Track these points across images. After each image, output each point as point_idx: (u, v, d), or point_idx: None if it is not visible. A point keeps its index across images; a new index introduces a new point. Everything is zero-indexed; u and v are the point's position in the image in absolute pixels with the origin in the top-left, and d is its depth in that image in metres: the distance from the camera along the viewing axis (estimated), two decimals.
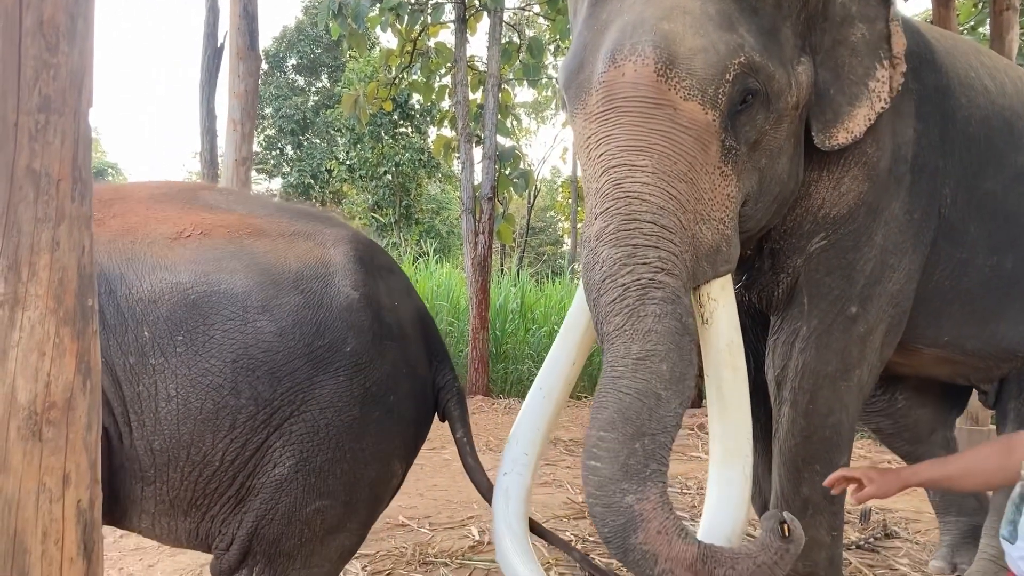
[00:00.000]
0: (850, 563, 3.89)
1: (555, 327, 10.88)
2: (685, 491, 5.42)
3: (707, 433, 7.83)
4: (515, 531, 2.26)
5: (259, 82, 6.40)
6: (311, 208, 2.62)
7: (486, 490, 2.40)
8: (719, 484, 2.19)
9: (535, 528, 2.40)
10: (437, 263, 13.30)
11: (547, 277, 15.65)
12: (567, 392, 2.52)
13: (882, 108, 2.60)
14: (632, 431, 1.99)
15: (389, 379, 2.12)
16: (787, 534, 1.97)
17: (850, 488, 2.03)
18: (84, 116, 1.04)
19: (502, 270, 15.53)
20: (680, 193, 2.18)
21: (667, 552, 1.93)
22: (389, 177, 17.74)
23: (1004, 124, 3.02)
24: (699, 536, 2.04)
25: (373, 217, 17.72)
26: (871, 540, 4.31)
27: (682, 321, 2.09)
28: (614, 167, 2.22)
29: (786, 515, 1.98)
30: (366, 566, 3.83)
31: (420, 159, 17.72)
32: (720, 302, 2.32)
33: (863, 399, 2.93)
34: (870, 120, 2.58)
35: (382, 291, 2.21)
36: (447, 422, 2.43)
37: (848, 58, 2.62)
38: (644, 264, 2.11)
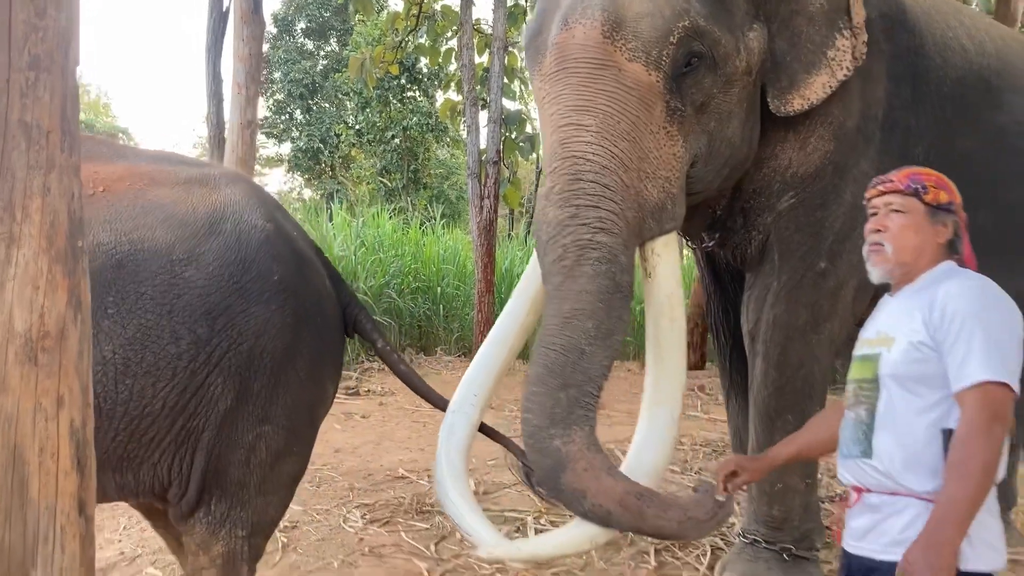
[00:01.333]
0: (832, 513, 4.00)
1: None
2: (679, 447, 5.54)
3: (707, 394, 8.00)
4: (454, 464, 2.46)
5: (268, 46, 6.51)
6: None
7: (425, 392, 2.62)
8: (647, 425, 2.34)
9: (483, 428, 2.61)
10: (446, 228, 13.41)
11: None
12: (520, 343, 2.64)
13: (844, 76, 2.70)
14: (557, 383, 2.16)
15: (315, 302, 2.25)
16: (720, 501, 2.13)
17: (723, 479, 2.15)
18: (71, 74, 1.14)
19: (511, 235, 15.60)
20: (623, 151, 2.29)
21: (595, 487, 2.08)
22: (397, 141, 17.77)
23: (981, 82, 3.09)
24: (632, 467, 2.21)
25: (381, 182, 17.78)
26: None
27: (615, 280, 2.22)
28: (562, 126, 2.34)
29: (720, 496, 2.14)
30: (365, 514, 3.99)
31: (428, 123, 17.72)
32: (663, 257, 2.44)
33: (835, 352, 3.04)
34: (830, 88, 2.69)
35: (284, 222, 2.30)
36: (361, 336, 2.53)
37: (805, 27, 2.71)
38: (584, 225, 2.23)
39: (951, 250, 1.88)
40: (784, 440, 2.21)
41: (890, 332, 1.83)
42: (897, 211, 1.86)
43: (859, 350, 1.93)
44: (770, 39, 2.67)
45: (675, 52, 2.35)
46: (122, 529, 3.87)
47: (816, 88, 2.68)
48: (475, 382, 2.60)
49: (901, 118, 2.94)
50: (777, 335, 2.94)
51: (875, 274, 1.91)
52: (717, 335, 3.61)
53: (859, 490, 1.83)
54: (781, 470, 3.02)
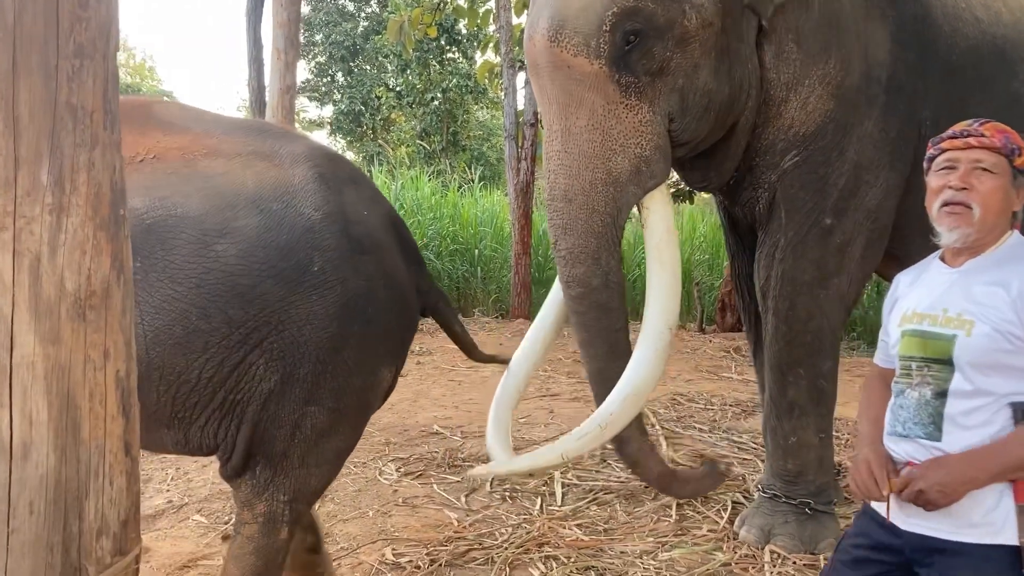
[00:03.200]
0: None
1: None
2: (709, 407, 5.63)
3: (742, 355, 8.04)
4: (501, 418, 2.90)
5: (309, 8, 6.57)
6: (268, 124, 2.68)
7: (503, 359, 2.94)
8: (636, 355, 2.67)
9: None
10: (485, 190, 13.48)
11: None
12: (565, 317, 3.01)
13: None
14: (602, 392, 2.78)
15: (365, 292, 2.15)
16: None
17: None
18: (112, 59, 1.26)
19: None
20: (585, 143, 2.67)
21: (644, 463, 2.95)
22: (436, 103, 17.83)
23: (995, 52, 3.13)
24: (614, 390, 2.64)
25: (420, 144, 17.89)
26: None
27: (600, 303, 2.75)
28: (546, 132, 2.83)
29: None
30: (400, 467, 4.16)
31: (467, 85, 17.73)
32: (652, 209, 2.78)
33: (846, 309, 3.15)
34: None
35: (348, 205, 2.21)
36: (439, 321, 2.57)
37: None
38: (561, 258, 2.76)
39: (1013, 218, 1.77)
40: (867, 421, 1.96)
41: (965, 313, 1.70)
42: (987, 171, 1.73)
43: (914, 323, 1.79)
44: None
45: (611, 37, 2.60)
46: (170, 480, 4.08)
47: None
48: (529, 351, 3.01)
49: (907, 82, 3.00)
50: (785, 289, 3.05)
51: (950, 237, 1.77)
52: (742, 294, 3.69)
53: (915, 467, 1.74)
54: (795, 424, 3.13)
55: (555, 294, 2.99)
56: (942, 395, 1.72)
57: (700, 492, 3.29)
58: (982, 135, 1.76)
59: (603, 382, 2.74)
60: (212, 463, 4.23)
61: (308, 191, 2.15)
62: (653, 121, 2.70)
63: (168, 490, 3.97)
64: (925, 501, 1.66)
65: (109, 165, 1.24)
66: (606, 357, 2.77)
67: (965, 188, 1.74)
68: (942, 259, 1.85)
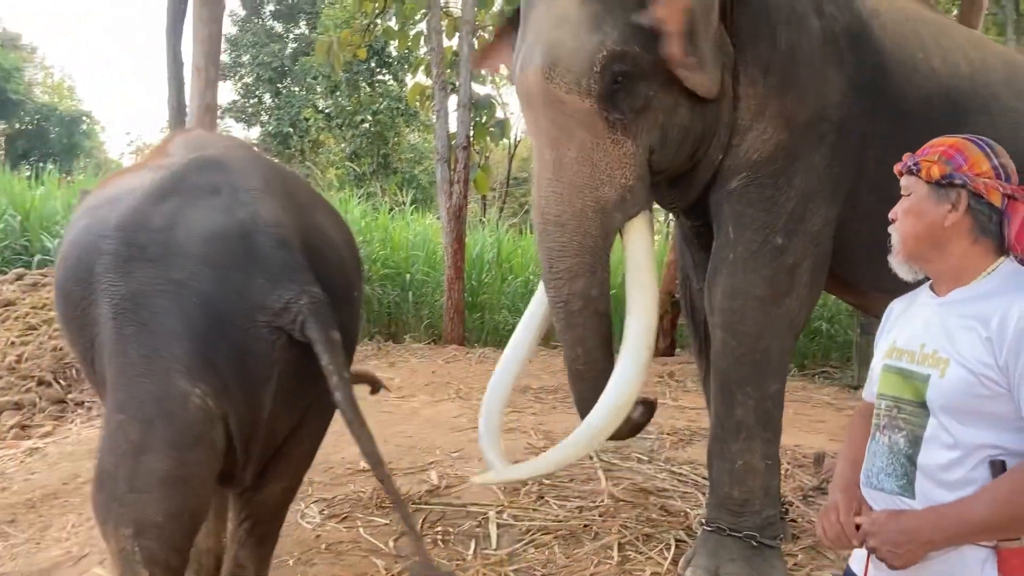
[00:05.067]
0: (796, 506, 3.97)
1: (532, 276, 10.90)
2: (646, 435, 5.46)
3: (676, 380, 7.96)
4: (491, 426, 3.13)
5: (236, 29, 6.35)
6: (215, 137, 2.65)
7: (360, 434, 2.15)
8: (621, 368, 2.80)
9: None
10: (417, 213, 13.25)
11: (528, 227, 15.65)
12: (541, 334, 3.25)
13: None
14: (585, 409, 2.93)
15: (135, 296, 2.06)
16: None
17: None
18: None
19: (482, 220, 15.49)
20: (575, 175, 2.81)
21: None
22: (367, 126, 17.58)
23: (947, 102, 3.21)
24: (600, 403, 2.77)
25: (350, 167, 17.59)
26: (824, 483, 4.39)
27: (595, 311, 2.87)
28: (537, 161, 2.94)
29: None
30: (323, 510, 3.91)
31: (398, 107, 17.53)
32: (633, 235, 2.93)
33: (795, 333, 3.15)
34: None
35: (155, 214, 2.13)
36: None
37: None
38: (558, 278, 2.86)
39: (984, 234, 1.59)
40: (846, 462, 1.81)
41: (941, 351, 1.55)
42: (905, 194, 1.66)
43: (893, 359, 1.66)
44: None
45: (601, 77, 2.74)
46: (70, 527, 3.76)
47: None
48: (507, 370, 3.20)
49: (857, 125, 3.10)
50: (735, 303, 3.04)
51: (897, 270, 1.70)
52: (693, 313, 3.66)
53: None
54: (742, 447, 3.02)
55: (534, 311, 3.19)
56: (915, 443, 1.56)
57: None
58: (902, 160, 1.70)
59: (597, 389, 2.83)
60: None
61: (126, 199, 2.22)
62: (636, 154, 2.85)
63: (67, 539, 3.64)
64: (880, 558, 1.51)
65: None
66: (603, 362, 2.89)
67: (892, 220, 1.70)
68: (931, 287, 1.71)
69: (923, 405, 1.56)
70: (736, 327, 3.04)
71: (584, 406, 2.91)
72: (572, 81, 2.75)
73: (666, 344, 10.29)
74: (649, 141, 2.88)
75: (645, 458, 4.83)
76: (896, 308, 1.82)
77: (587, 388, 2.93)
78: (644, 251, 2.93)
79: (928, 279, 1.72)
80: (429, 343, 10.02)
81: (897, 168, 1.69)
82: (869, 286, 3.30)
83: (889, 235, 3.07)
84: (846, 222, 3.13)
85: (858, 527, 1.59)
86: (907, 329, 1.68)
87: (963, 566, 1.49)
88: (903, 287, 3.16)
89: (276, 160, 2.95)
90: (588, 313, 2.86)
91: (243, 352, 2.06)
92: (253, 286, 2.06)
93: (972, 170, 1.59)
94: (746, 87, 3.02)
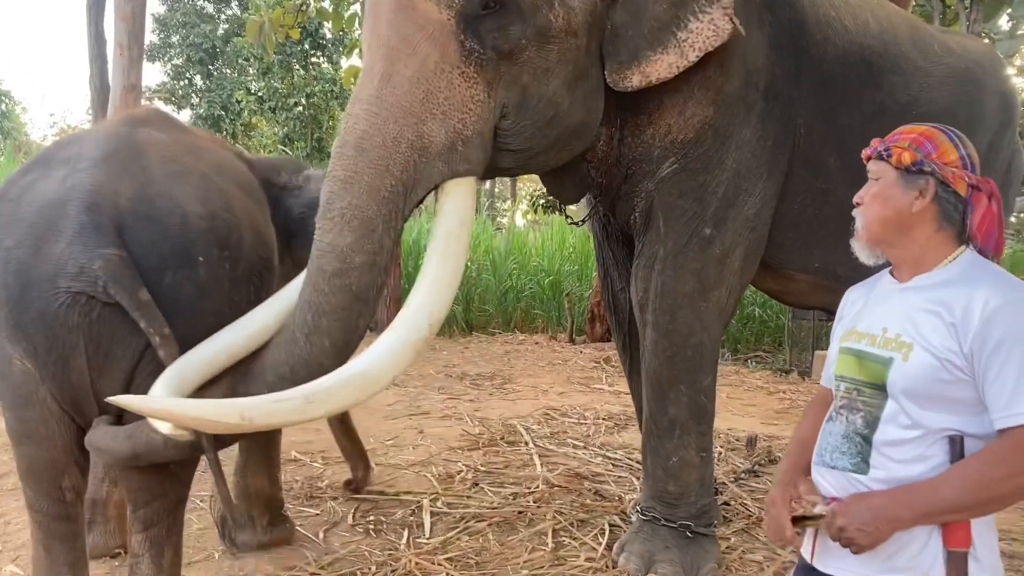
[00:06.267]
0: (729, 488, 4.00)
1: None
2: (582, 421, 5.50)
3: (612, 366, 7.98)
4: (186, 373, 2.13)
5: (165, 8, 6.14)
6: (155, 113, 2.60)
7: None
8: (384, 339, 2.20)
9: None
10: None
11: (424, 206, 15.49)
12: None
13: (695, 59, 2.66)
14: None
15: None
16: None
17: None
18: None
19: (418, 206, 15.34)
20: (403, 95, 2.30)
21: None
22: (300, 109, 17.25)
23: (861, 62, 3.12)
24: (343, 368, 2.12)
25: (283, 151, 17.25)
26: (757, 466, 4.44)
27: (351, 290, 2.17)
28: (362, 74, 2.43)
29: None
30: None
31: (332, 91, 17.24)
32: (451, 196, 2.41)
33: (724, 322, 3.06)
34: (677, 68, 2.65)
35: (14, 188, 2.21)
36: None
37: (651, 4, 2.66)
38: (328, 220, 2.21)
39: (948, 222, 1.60)
40: (795, 445, 1.81)
41: (904, 335, 1.54)
42: (873, 179, 1.66)
43: (851, 342, 1.66)
44: (609, 7, 2.64)
45: None
46: None
47: (660, 67, 2.64)
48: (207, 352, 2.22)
49: (783, 88, 2.94)
50: (665, 302, 2.92)
51: (859, 254, 1.69)
52: (616, 311, 3.55)
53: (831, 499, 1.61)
54: (677, 444, 3.00)
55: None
56: (872, 424, 1.57)
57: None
58: (870, 144, 1.69)
59: (309, 372, 2.14)
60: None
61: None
62: (484, 104, 2.42)
63: None
64: (847, 540, 1.49)
65: None
66: (330, 351, 2.18)
67: (857, 204, 1.68)
68: (892, 273, 1.70)
69: (882, 388, 1.56)
70: (667, 327, 2.93)
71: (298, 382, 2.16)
72: None
73: (603, 329, 10.34)
74: (505, 99, 2.48)
75: (580, 443, 4.83)
76: (853, 294, 1.81)
77: (300, 368, 2.18)
78: (459, 219, 2.41)
79: (887, 266, 1.72)
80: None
81: (865, 153, 1.69)
82: (797, 268, 3.26)
83: (820, 211, 3.11)
84: (778, 199, 3.03)
85: (795, 520, 1.60)
86: (867, 314, 1.68)
87: (909, 536, 1.50)
88: (833, 270, 3.22)
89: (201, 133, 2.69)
90: (337, 284, 2.18)
91: (47, 316, 2.05)
92: (56, 251, 2.05)
93: (941, 159, 1.60)
94: (613, 69, 2.69)
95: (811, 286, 3.36)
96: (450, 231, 2.38)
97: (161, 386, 2.05)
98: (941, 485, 1.46)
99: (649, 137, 2.88)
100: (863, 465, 1.57)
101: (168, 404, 1.99)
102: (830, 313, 4.12)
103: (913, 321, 1.55)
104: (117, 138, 2.31)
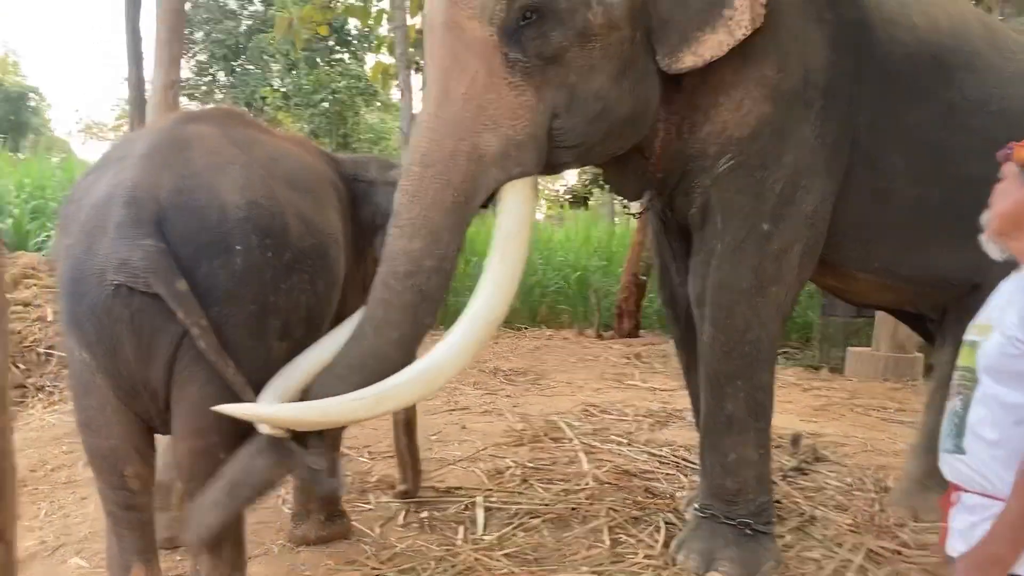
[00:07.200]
0: (777, 485, 3.99)
1: None
2: (623, 418, 5.51)
3: (643, 362, 7.98)
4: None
5: (189, 5, 6.14)
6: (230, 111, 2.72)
7: (234, 380, 2.24)
8: (447, 338, 2.43)
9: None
10: None
11: (493, 209, 15.48)
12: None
13: (743, 35, 2.71)
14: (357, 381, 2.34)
15: (56, 260, 2.33)
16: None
17: None
18: None
19: None
20: (457, 111, 2.48)
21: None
22: (326, 105, 17.25)
23: (931, 60, 3.10)
24: (411, 366, 2.36)
25: None
26: (802, 464, 4.43)
27: (421, 290, 2.40)
28: (424, 95, 2.66)
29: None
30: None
31: (357, 87, 17.24)
32: (508, 199, 2.57)
33: (782, 319, 3.06)
34: (727, 46, 2.71)
35: (79, 189, 2.35)
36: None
37: None
38: (399, 228, 2.44)
39: None
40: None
41: (991, 320, 1.68)
42: (1002, 178, 1.75)
43: (967, 334, 1.77)
44: None
45: (508, 6, 2.49)
46: (43, 516, 3.63)
47: (711, 46, 2.70)
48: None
49: (843, 87, 2.95)
50: (722, 298, 2.94)
51: (987, 249, 1.78)
52: (674, 306, 3.55)
53: (958, 489, 1.70)
54: (735, 440, 3.00)
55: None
56: (967, 405, 1.67)
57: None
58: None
59: (379, 366, 2.35)
60: (93, 495, 3.79)
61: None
62: (534, 108, 2.56)
63: (41, 528, 3.51)
64: None
65: None
66: (398, 344, 2.40)
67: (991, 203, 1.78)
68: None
69: (974, 370, 1.67)
70: (724, 322, 2.94)
71: (362, 381, 2.35)
72: (476, 6, 2.49)
73: (631, 325, 10.34)
74: (554, 101, 2.59)
75: (624, 440, 4.83)
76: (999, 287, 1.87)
77: (370, 359, 2.40)
78: (518, 219, 2.58)
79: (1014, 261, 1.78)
80: None
81: (1000, 154, 1.76)
82: (858, 267, 3.26)
83: (883, 210, 3.10)
84: (836, 197, 3.02)
85: None
86: (984, 307, 1.78)
87: None
88: (895, 270, 3.22)
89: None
90: (408, 284, 2.40)
91: (96, 308, 2.13)
92: (104, 246, 2.14)
93: None
94: (665, 53, 2.75)
95: (873, 285, 3.35)
96: (508, 232, 2.56)
97: (268, 394, 2.29)
98: (1013, 502, 1.53)
99: (706, 134, 2.90)
100: (960, 446, 1.67)
101: (265, 410, 2.25)
102: (895, 314, 4.10)
103: (1000, 305, 1.68)
104: (163, 133, 2.37)
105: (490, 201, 2.60)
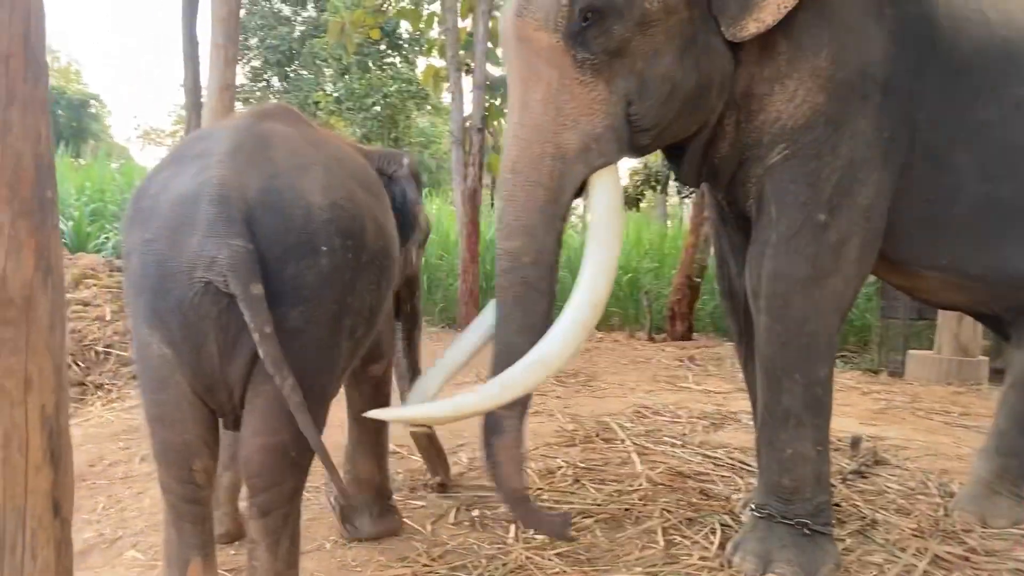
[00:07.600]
0: (836, 488, 3.89)
1: None
2: (676, 419, 5.43)
3: (697, 364, 7.88)
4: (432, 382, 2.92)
5: (244, 12, 6.24)
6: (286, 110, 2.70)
7: (289, 394, 2.26)
8: (554, 325, 2.66)
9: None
10: (428, 197, 13.15)
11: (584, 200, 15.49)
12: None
13: None
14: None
15: (127, 254, 2.29)
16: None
17: None
18: None
19: (493, 203, 15.40)
20: (539, 116, 2.67)
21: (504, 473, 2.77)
22: (377, 109, 17.44)
23: (1003, 55, 3.03)
24: (526, 355, 2.59)
25: None
26: (862, 467, 4.32)
27: (525, 281, 2.69)
28: (508, 105, 2.84)
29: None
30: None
31: (409, 90, 17.40)
32: (596, 189, 2.74)
33: (842, 314, 3.00)
34: (785, 8, 2.73)
35: (153, 184, 2.32)
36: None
37: None
38: (500, 231, 2.74)
39: None
40: None
41: None
42: None
43: None
44: None
45: (568, 12, 2.62)
46: (100, 509, 3.68)
47: (771, 10, 2.73)
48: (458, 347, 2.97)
49: (903, 83, 2.90)
50: (778, 287, 2.89)
51: None
52: (732, 298, 3.50)
53: None
54: (792, 435, 2.93)
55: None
56: None
57: (538, 531, 3.26)
58: None
59: (508, 355, 2.66)
60: (149, 490, 3.85)
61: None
62: (608, 100, 2.69)
63: (99, 521, 3.56)
64: None
65: (31, 130, 0.92)
66: (518, 332, 2.70)
67: None
68: None
69: None
70: (780, 312, 2.89)
71: (495, 368, 2.69)
72: (540, 18, 2.64)
73: (684, 328, 10.23)
74: (625, 89, 2.71)
75: (678, 442, 4.75)
76: None
77: (499, 352, 2.72)
78: (609, 206, 2.74)
79: None
80: (443, 326, 9.95)
81: None
82: (924, 265, 3.16)
83: (949, 208, 3.02)
84: (896, 194, 2.96)
85: None
86: None
87: None
88: (964, 268, 3.12)
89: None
90: (513, 277, 2.69)
91: (183, 305, 2.14)
92: (192, 244, 2.13)
93: None
94: (760, 49, 2.83)
95: (941, 283, 3.26)
96: (600, 220, 2.73)
97: (413, 395, 2.85)
98: None
99: (760, 123, 2.89)
100: None
101: (407, 411, 2.92)
102: (974, 315, 3.98)
103: None
104: (243, 131, 2.37)
105: (581, 192, 2.76)
